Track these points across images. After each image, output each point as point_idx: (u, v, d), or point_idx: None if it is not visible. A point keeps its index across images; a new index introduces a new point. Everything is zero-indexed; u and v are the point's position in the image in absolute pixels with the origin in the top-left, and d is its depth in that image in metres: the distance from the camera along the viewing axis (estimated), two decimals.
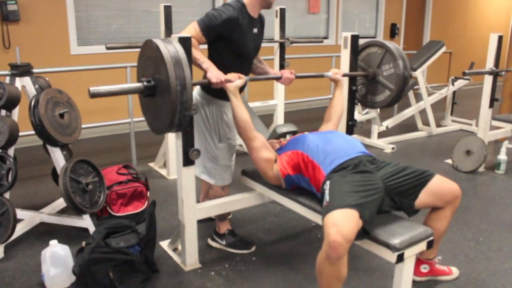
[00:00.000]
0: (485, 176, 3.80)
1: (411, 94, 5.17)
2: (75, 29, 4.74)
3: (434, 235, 1.83)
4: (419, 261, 2.17)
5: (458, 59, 7.33)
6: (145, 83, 1.89)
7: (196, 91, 2.39)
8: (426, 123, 5.22)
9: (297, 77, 2.41)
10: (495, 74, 3.67)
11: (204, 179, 2.46)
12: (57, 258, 2.12)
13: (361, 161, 1.93)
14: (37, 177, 3.64)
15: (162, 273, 2.28)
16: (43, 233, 2.65)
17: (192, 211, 2.24)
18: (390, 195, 1.89)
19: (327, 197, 1.78)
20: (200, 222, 2.35)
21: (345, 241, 1.56)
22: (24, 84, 2.60)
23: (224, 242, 2.53)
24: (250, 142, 2.14)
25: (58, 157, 2.57)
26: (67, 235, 2.58)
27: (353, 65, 2.62)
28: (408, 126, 5.33)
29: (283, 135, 2.42)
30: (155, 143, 4.15)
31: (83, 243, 2.16)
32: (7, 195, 2.46)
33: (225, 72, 2.12)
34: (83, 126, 2.74)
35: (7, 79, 2.61)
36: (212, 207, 2.36)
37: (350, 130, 2.69)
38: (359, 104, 3.01)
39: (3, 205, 2.37)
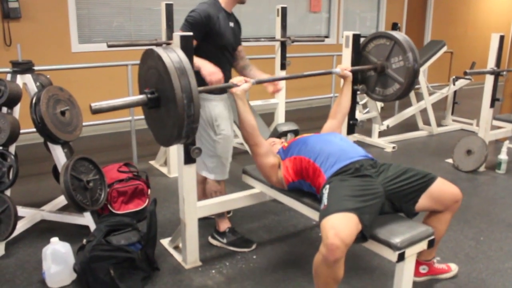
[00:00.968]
0: (485, 176, 3.80)
1: (412, 93, 5.15)
2: (76, 27, 4.74)
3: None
4: (417, 262, 2.14)
5: (459, 59, 7.33)
6: (149, 95, 1.78)
7: None
8: (427, 122, 5.22)
9: (304, 75, 2.38)
10: (496, 74, 3.67)
11: (204, 175, 2.48)
12: (58, 256, 2.12)
13: (363, 165, 1.91)
14: (38, 174, 3.64)
15: (162, 271, 2.29)
16: (44, 231, 2.65)
17: (193, 209, 2.24)
18: (390, 199, 1.87)
19: (325, 201, 1.77)
20: (200, 220, 2.35)
21: (343, 244, 1.56)
22: (25, 81, 2.60)
23: (224, 240, 2.53)
24: (255, 148, 2.11)
25: (59, 155, 2.57)
26: (68, 232, 2.59)
27: (355, 64, 2.61)
28: (409, 125, 5.33)
29: (284, 133, 2.42)
30: (156, 141, 4.14)
31: (84, 241, 2.16)
32: (8, 192, 2.47)
33: None
34: (84, 123, 2.75)
35: (8, 77, 2.61)
36: (213, 206, 2.36)
37: (351, 129, 2.68)
38: (360, 103, 2.99)
39: (4, 202, 2.38)
